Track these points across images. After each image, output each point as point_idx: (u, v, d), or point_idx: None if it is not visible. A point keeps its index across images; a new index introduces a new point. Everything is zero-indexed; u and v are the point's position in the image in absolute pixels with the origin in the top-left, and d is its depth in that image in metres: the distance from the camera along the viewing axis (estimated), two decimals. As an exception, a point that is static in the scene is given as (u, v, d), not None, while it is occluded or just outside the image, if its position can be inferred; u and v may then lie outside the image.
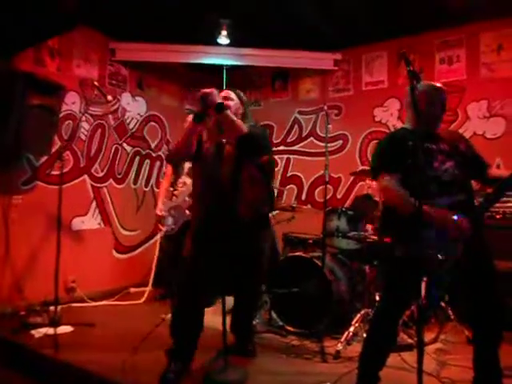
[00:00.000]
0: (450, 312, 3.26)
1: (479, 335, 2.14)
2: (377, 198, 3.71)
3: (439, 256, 2.00)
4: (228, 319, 2.66)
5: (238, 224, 2.52)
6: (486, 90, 4.26)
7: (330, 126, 3.54)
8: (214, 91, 2.35)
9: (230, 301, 2.92)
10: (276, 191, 5.35)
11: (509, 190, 2.17)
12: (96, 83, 3.53)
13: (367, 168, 4.01)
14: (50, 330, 3.17)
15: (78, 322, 3.58)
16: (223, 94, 2.68)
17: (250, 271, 2.78)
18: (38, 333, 3.31)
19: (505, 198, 3.43)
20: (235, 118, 2.43)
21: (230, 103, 2.64)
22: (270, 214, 3.02)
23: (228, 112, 2.39)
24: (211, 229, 2.50)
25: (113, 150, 4.93)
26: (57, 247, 3.25)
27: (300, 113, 5.39)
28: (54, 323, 3.25)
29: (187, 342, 2.51)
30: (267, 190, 2.79)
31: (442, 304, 3.30)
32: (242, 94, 2.82)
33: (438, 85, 2.25)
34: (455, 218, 2.00)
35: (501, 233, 3.32)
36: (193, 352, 2.52)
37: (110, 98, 3.59)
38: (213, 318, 3.00)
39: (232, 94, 2.73)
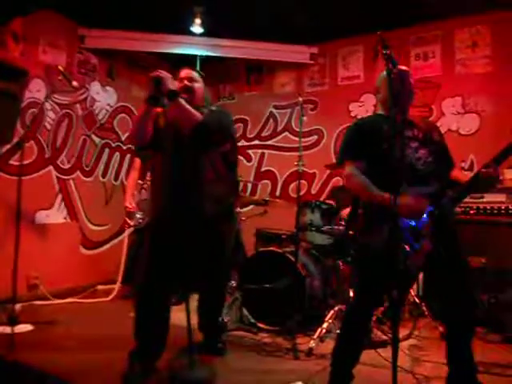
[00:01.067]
0: (424, 308, 3.23)
1: (451, 331, 2.09)
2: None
3: (406, 247, 1.93)
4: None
5: (200, 220, 2.33)
6: (461, 86, 4.26)
7: (304, 117, 3.45)
8: (166, 75, 2.14)
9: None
10: (250, 186, 5.29)
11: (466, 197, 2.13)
12: (60, 67, 3.33)
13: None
14: (7, 329, 2.98)
15: (39, 321, 3.39)
16: (185, 73, 2.46)
17: (213, 267, 2.61)
18: (-5, 332, 3.11)
19: (478, 194, 3.42)
20: (188, 106, 2.19)
21: (195, 85, 2.43)
22: (236, 208, 2.80)
23: (181, 100, 2.16)
24: (170, 226, 2.32)
25: (80, 142, 4.74)
26: (15, 241, 3.07)
27: (275, 107, 5.31)
28: (12, 321, 3.07)
29: (151, 343, 2.37)
30: (232, 181, 2.62)
31: (416, 300, 3.27)
32: (201, 74, 2.56)
33: (405, 68, 2.19)
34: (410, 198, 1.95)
35: (474, 228, 3.31)
36: (158, 353, 2.38)
37: (75, 83, 3.40)
38: (181, 315, 2.85)
39: (195, 74, 2.48)
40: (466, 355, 2.05)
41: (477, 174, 1.95)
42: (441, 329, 3.01)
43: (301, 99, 3.40)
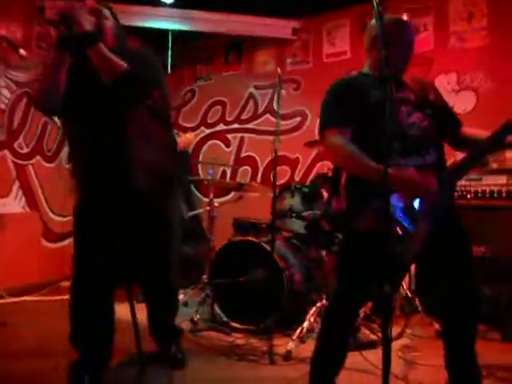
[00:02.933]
0: (417, 303, 2.89)
1: (451, 330, 1.77)
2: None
3: (398, 231, 1.58)
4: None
5: (131, 195, 1.89)
6: (456, 61, 3.93)
7: (283, 91, 3.08)
8: (79, 9, 1.67)
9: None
10: (229, 171, 4.92)
11: (486, 154, 1.81)
12: (3, 32, 2.92)
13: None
14: None
15: (-16, 322, 2.99)
16: (90, 4, 1.88)
17: (155, 255, 2.13)
18: None
19: (476, 176, 3.09)
20: (109, 53, 1.73)
21: (108, 24, 1.91)
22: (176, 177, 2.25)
23: (101, 45, 1.70)
24: (96, 205, 1.92)
25: (41, 123, 4.30)
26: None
27: (255, 87, 4.93)
28: None
29: (92, 351, 1.99)
30: (167, 141, 2.12)
31: (409, 294, 2.94)
32: (112, 8, 2.02)
33: (405, 18, 1.83)
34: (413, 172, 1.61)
35: (472, 214, 2.97)
36: (103, 360, 2.01)
37: (22, 51, 3.02)
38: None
39: (105, 11, 1.94)
40: (469, 357, 1.73)
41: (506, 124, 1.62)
42: (436, 326, 2.68)
43: (279, 70, 3.05)
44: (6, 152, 4.02)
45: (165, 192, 2.08)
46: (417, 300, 2.93)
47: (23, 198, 4.16)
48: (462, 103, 3.85)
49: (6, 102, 4.01)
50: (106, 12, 1.95)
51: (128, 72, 1.74)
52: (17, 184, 4.11)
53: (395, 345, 2.56)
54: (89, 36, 1.68)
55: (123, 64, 1.75)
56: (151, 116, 1.97)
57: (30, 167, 4.22)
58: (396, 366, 2.22)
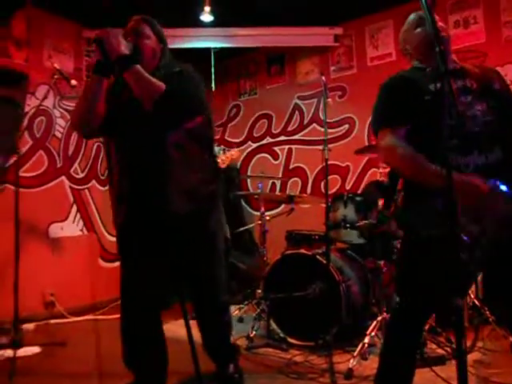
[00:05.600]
0: (488, 313, 2.67)
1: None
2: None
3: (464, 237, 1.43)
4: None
5: (173, 221, 1.82)
6: (511, 52, 3.68)
7: (329, 99, 3.00)
8: (113, 34, 1.63)
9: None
10: (279, 184, 4.88)
11: None
12: (56, 65, 3.06)
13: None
14: (10, 353, 2.70)
15: (48, 342, 3.09)
16: (130, 25, 1.90)
17: (200, 273, 2.07)
18: (-1, 356, 2.82)
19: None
20: (147, 75, 1.69)
21: (146, 42, 1.87)
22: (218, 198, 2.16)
23: (138, 68, 1.66)
24: (137, 233, 1.89)
25: (94, 149, 4.47)
26: (15, 256, 2.81)
27: (300, 98, 4.87)
28: (15, 344, 2.78)
29: (147, 373, 1.96)
30: (208, 164, 2.02)
31: (477, 303, 2.72)
32: (157, 25, 1.97)
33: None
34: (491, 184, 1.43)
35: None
36: (159, 382, 1.98)
37: (73, 82, 3.12)
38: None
39: (147, 28, 1.90)
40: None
41: None
42: (511, 339, 2.46)
43: (323, 78, 2.99)
44: (63, 178, 4.19)
45: (206, 212, 2.02)
46: (486, 310, 2.71)
47: (81, 222, 4.32)
48: (521, 96, 3.61)
49: (62, 130, 4.20)
50: (147, 30, 1.92)
51: (167, 93, 1.71)
52: (74, 208, 4.27)
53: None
54: (123, 60, 1.66)
55: (161, 85, 1.71)
56: (191, 138, 1.92)
57: (86, 191, 4.38)
58: (469, 383, 2.05)
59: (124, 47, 1.67)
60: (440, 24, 1.67)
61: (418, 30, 1.73)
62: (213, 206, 2.07)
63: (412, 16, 1.80)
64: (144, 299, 1.91)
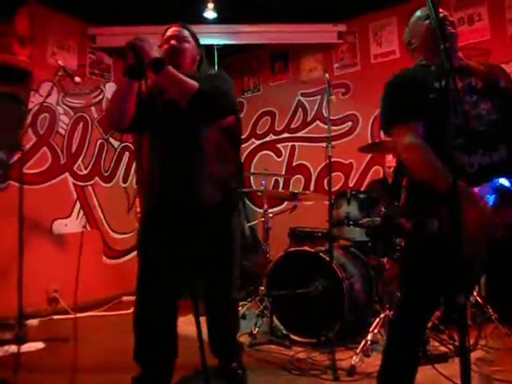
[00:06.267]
0: (491, 311, 2.67)
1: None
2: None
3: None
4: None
5: (202, 211, 1.90)
6: (516, 49, 3.67)
7: (332, 96, 2.99)
8: (146, 41, 1.73)
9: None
10: (281, 181, 4.88)
11: None
12: (60, 62, 3.07)
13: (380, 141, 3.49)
14: (14, 348, 2.72)
15: (52, 338, 3.10)
16: (172, 31, 2.02)
17: (219, 268, 2.13)
18: (2, 351, 2.83)
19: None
20: (179, 74, 1.78)
21: (186, 46, 2.01)
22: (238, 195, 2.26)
23: (170, 69, 1.76)
24: (163, 222, 1.94)
25: (98, 146, 4.48)
26: (19, 252, 2.83)
27: (303, 95, 4.86)
28: (19, 340, 2.80)
29: (156, 367, 1.98)
30: (235, 160, 2.17)
31: (479, 301, 2.72)
32: (194, 31, 2.11)
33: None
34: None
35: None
36: (166, 376, 1.99)
37: (77, 79, 3.15)
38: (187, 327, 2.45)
39: (186, 33, 2.04)
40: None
41: None
42: (514, 336, 2.47)
43: (327, 75, 2.98)
44: (67, 175, 4.20)
45: (229, 207, 2.12)
46: (489, 308, 2.71)
47: (84, 218, 4.33)
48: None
49: (65, 127, 4.20)
50: (186, 33, 2.04)
51: (201, 91, 1.78)
52: (78, 205, 4.28)
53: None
54: (155, 62, 1.73)
55: (194, 84, 1.79)
56: (224, 135, 2.03)
57: (90, 188, 4.39)
58: (472, 381, 2.05)
59: (155, 52, 1.75)
60: (450, 19, 1.67)
61: (427, 21, 1.70)
62: (235, 201, 2.17)
63: (420, 10, 1.78)
64: (164, 289, 1.94)
